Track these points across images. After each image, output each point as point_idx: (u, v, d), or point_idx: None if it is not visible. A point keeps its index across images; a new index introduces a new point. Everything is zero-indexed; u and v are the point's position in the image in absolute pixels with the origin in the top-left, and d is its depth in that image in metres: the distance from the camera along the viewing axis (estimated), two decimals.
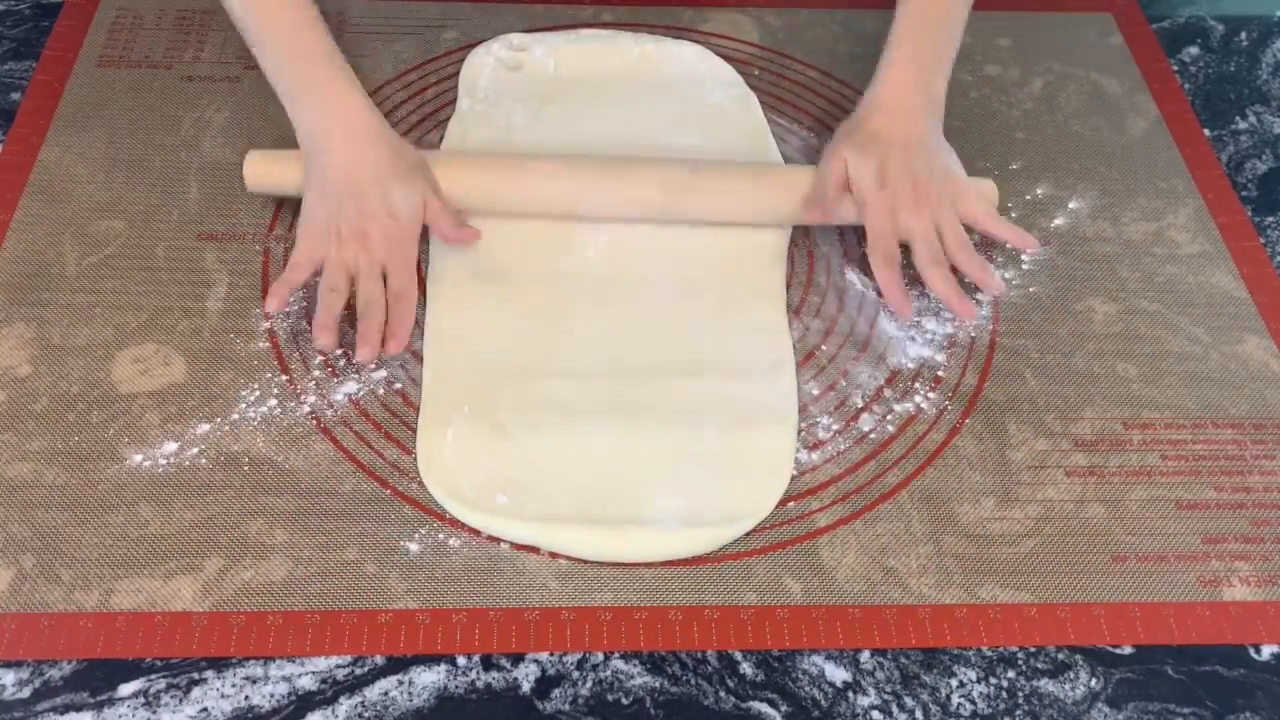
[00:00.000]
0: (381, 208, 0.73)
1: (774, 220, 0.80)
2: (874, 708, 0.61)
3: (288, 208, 0.81)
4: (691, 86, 0.92)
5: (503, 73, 0.92)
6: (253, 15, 0.76)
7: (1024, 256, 0.81)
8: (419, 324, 0.75)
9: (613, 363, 0.73)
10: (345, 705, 0.59)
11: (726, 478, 0.68)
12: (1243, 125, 0.93)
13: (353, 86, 0.76)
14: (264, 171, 0.78)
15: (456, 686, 0.60)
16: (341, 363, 0.73)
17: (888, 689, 0.61)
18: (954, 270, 0.75)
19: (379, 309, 0.72)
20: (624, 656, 0.62)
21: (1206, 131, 0.92)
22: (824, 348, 0.76)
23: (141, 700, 0.59)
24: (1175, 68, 0.97)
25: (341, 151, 0.75)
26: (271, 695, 0.59)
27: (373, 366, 0.72)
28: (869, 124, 0.78)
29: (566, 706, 0.60)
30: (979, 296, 0.77)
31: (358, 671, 0.60)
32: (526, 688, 0.60)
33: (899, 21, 0.81)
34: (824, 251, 0.81)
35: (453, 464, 0.68)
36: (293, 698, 0.59)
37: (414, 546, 0.65)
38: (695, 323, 0.76)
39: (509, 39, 0.94)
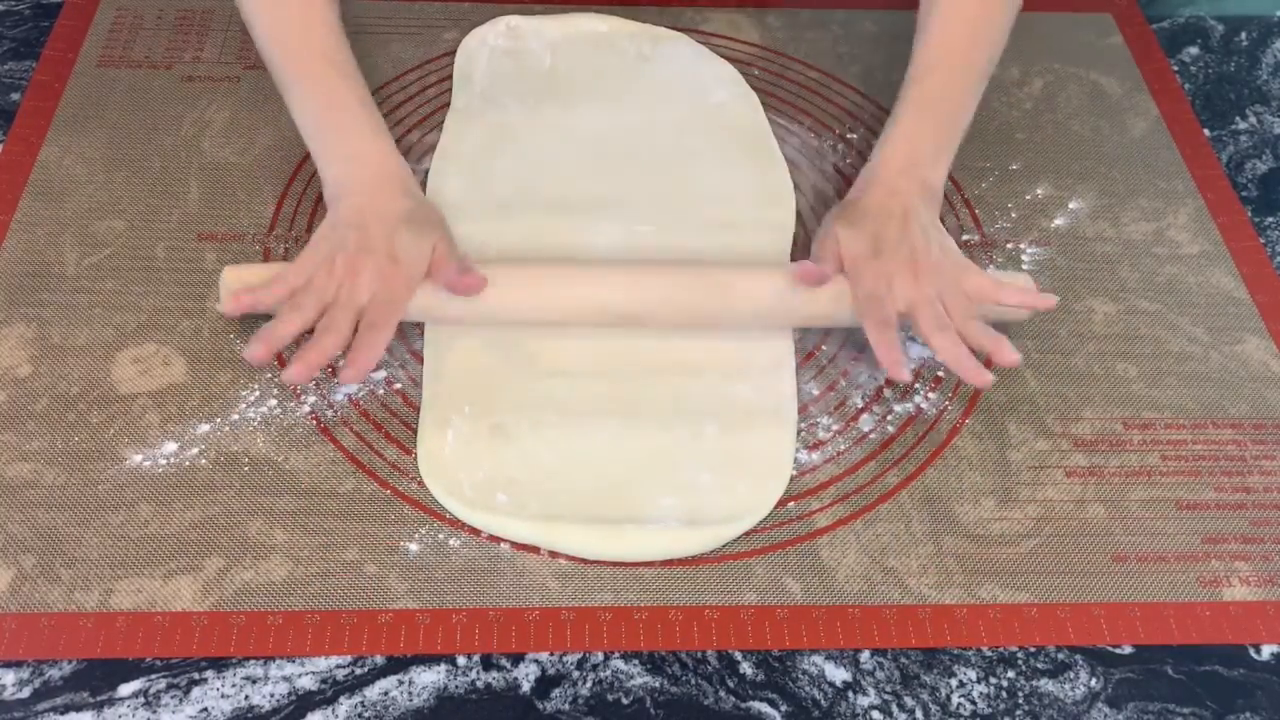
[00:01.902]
0: (384, 247, 0.69)
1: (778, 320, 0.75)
2: (874, 708, 0.61)
3: (288, 206, 0.81)
4: (692, 86, 0.92)
5: (498, 64, 0.92)
6: (281, 56, 0.75)
7: (1024, 258, 0.81)
8: (418, 325, 0.75)
9: (612, 362, 0.73)
10: (345, 705, 0.59)
11: (726, 477, 0.68)
12: (1243, 125, 0.93)
13: (380, 135, 0.75)
14: (240, 284, 0.71)
15: (456, 686, 0.60)
16: (342, 362, 0.72)
17: (888, 689, 0.61)
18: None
19: (336, 340, 0.67)
20: (624, 656, 0.62)
21: (1206, 131, 0.92)
22: (824, 348, 0.76)
23: (141, 700, 0.59)
24: (1175, 68, 0.97)
25: (360, 194, 0.72)
26: (271, 695, 0.59)
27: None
28: (861, 201, 0.74)
29: (566, 706, 0.60)
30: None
31: (358, 671, 0.60)
32: (526, 688, 0.60)
33: (903, 97, 0.77)
34: None
35: (453, 464, 0.68)
36: (293, 698, 0.59)
37: (414, 546, 0.65)
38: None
39: (505, 21, 0.94)
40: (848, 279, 0.71)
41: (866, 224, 0.71)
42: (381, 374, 0.72)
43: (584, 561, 0.65)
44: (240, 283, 0.71)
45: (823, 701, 0.61)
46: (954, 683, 0.62)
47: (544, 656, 0.62)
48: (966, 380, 0.68)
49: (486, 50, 0.93)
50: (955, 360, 0.68)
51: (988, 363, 0.70)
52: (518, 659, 0.61)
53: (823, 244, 0.73)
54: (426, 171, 0.84)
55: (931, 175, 0.75)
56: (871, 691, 0.61)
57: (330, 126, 0.75)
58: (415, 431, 0.70)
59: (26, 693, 0.59)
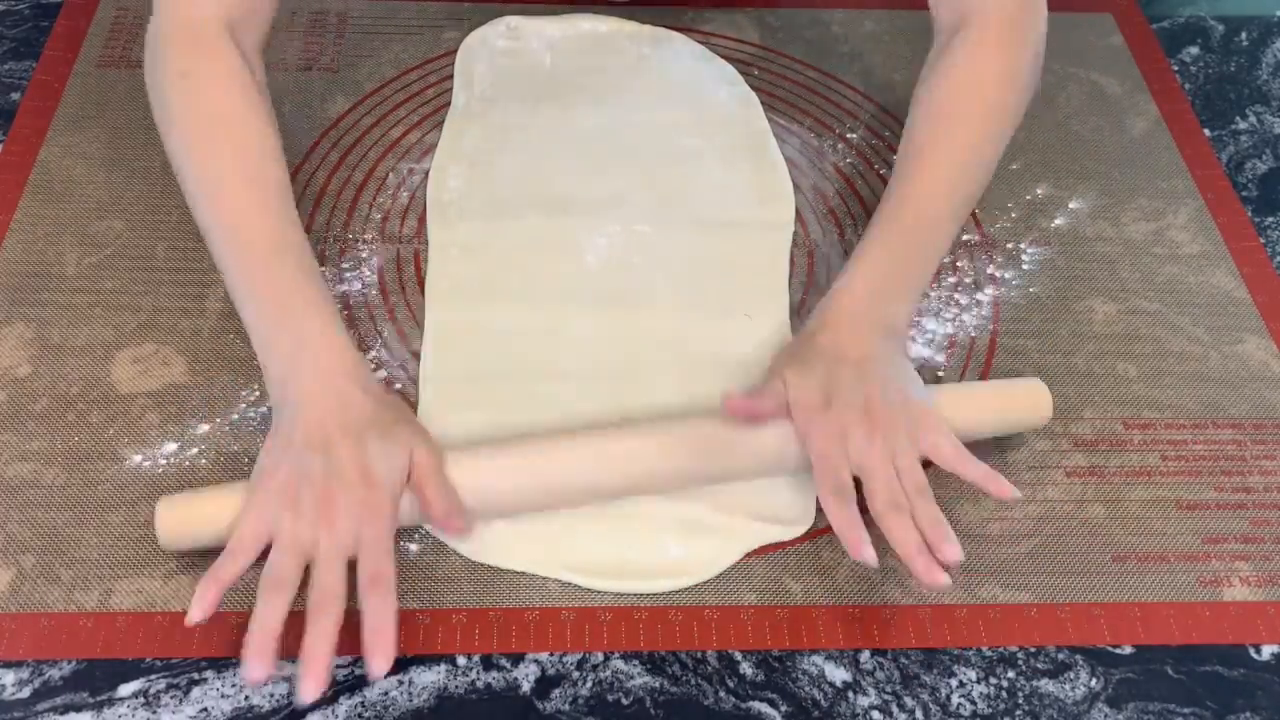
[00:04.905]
0: (354, 472, 0.58)
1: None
2: (874, 708, 0.61)
3: None
4: (692, 86, 0.92)
5: (499, 64, 0.92)
6: (219, 225, 0.66)
7: (1024, 258, 0.81)
8: (417, 322, 0.75)
9: (613, 367, 0.73)
10: (345, 705, 0.59)
11: (729, 502, 0.67)
12: (1243, 125, 0.93)
13: (332, 323, 0.64)
14: (180, 520, 0.61)
15: (456, 686, 0.60)
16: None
17: (888, 689, 0.61)
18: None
19: (336, 607, 0.56)
20: (624, 656, 0.62)
21: (1206, 131, 0.92)
22: None
23: (141, 700, 0.59)
24: (1175, 68, 0.97)
25: (312, 397, 0.61)
26: (271, 695, 0.59)
27: (372, 367, 0.72)
28: (814, 340, 0.66)
29: (566, 706, 0.60)
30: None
31: (358, 671, 0.60)
32: (526, 688, 0.60)
33: (871, 225, 0.71)
34: (824, 252, 0.81)
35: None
36: (293, 697, 0.59)
37: (414, 546, 0.65)
38: (696, 327, 0.75)
39: (506, 21, 0.94)
40: (797, 433, 0.64)
41: (818, 368, 0.64)
42: (381, 374, 0.72)
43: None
44: (177, 525, 0.61)
45: (823, 701, 0.61)
46: (954, 683, 0.62)
47: (544, 656, 0.62)
48: (915, 574, 0.59)
49: (487, 50, 0.93)
50: (908, 554, 0.59)
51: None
52: (518, 659, 0.61)
53: (769, 387, 0.65)
54: (427, 171, 0.84)
55: (895, 311, 0.68)
56: (871, 691, 0.61)
57: (274, 315, 0.64)
58: None
59: (26, 693, 0.59)
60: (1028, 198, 0.86)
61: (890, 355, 0.66)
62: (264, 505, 0.59)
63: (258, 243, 0.66)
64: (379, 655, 0.55)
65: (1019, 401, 0.69)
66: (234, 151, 0.68)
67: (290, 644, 0.61)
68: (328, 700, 0.59)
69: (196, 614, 0.56)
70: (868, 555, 0.59)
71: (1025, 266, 0.81)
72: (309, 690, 0.54)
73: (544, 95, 0.90)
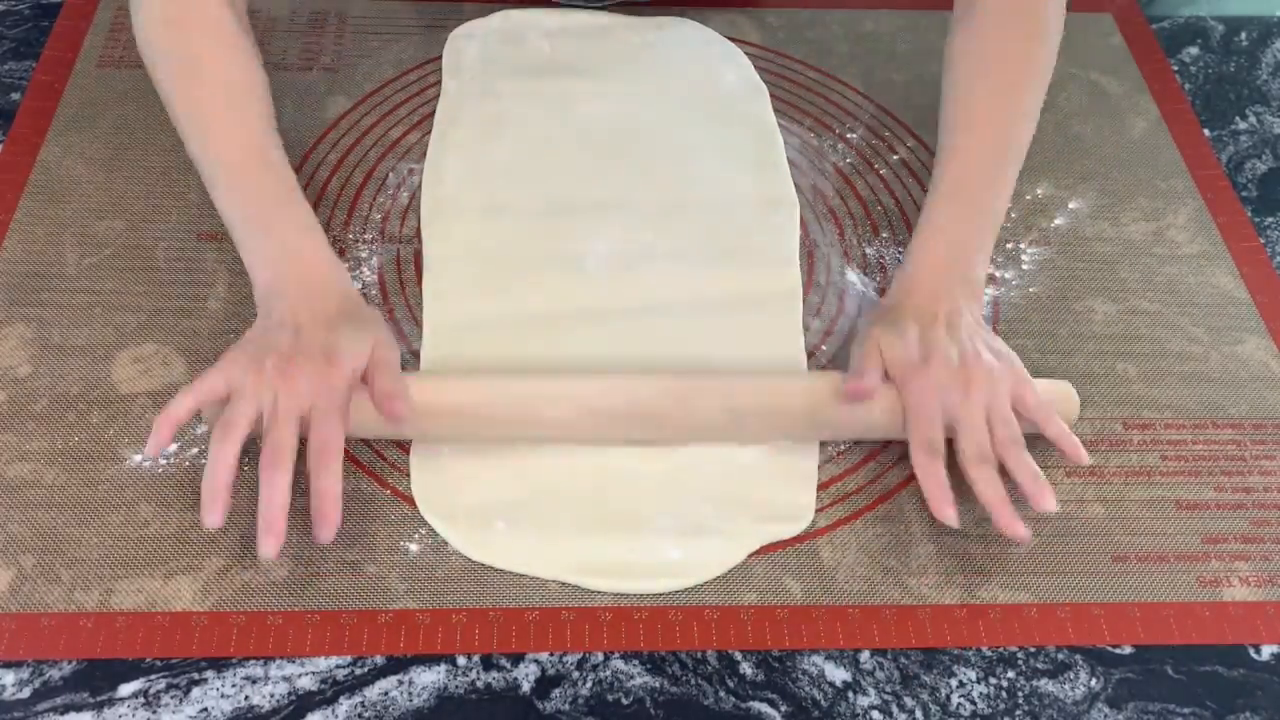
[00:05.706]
0: (319, 348, 0.63)
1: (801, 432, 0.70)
2: (874, 708, 0.61)
3: None
4: (697, 75, 0.91)
5: (493, 49, 0.91)
6: (202, 147, 0.71)
7: (1024, 258, 0.80)
8: (417, 322, 0.75)
9: (615, 366, 0.73)
10: (345, 705, 0.59)
11: (728, 498, 0.67)
12: (1243, 125, 0.93)
13: (311, 232, 0.70)
14: None
15: (456, 686, 0.60)
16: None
17: (888, 689, 0.61)
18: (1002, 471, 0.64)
19: (287, 461, 0.60)
20: (624, 656, 0.62)
21: (1206, 131, 0.92)
22: (824, 348, 0.76)
23: (141, 700, 0.59)
24: (1175, 68, 0.97)
25: (292, 296, 0.66)
26: (271, 695, 0.59)
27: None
28: (902, 304, 0.69)
29: (566, 706, 0.60)
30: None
31: (358, 671, 0.60)
32: (526, 688, 0.60)
33: (933, 189, 0.73)
34: (824, 252, 0.81)
35: (449, 487, 0.67)
36: (293, 698, 0.59)
37: (414, 546, 0.65)
38: (699, 333, 0.75)
39: (499, 15, 0.93)
40: (895, 387, 0.66)
41: (911, 329, 0.67)
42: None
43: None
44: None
45: (823, 701, 0.61)
46: (954, 683, 0.62)
47: (544, 656, 0.62)
48: (998, 524, 0.62)
49: (480, 35, 0.92)
50: (993, 504, 0.62)
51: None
52: (518, 659, 0.61)
53: (866, 354, 0.67)
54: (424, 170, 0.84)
55: (973, 272, 0.71)
56: (871, 691, 0.61)
57: (258, 226, 0.70)
58: None
59: (26, 693, 0.59)
60: (1028, 198, 0.85)
61: (975, 316, 0.69)
62: (230, 364, 0.63)
63: (243, 166, 0.71)
64: (324, 526, 0.60)
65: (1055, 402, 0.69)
66: (216, 89, 0.73)
67: (295, 645, 0.61)
68: (327, 700, 0.59)
69: (151, 448, 0.61)
70: (949, 515, 0.62)
71: (1025, 266, 0.81)
72: (268, 547, 0.59)
73: (541, 84, 0.89)
